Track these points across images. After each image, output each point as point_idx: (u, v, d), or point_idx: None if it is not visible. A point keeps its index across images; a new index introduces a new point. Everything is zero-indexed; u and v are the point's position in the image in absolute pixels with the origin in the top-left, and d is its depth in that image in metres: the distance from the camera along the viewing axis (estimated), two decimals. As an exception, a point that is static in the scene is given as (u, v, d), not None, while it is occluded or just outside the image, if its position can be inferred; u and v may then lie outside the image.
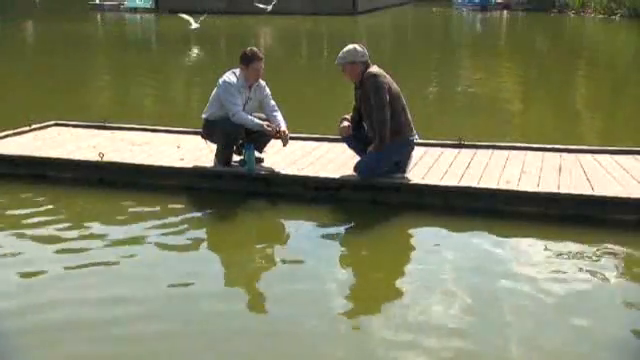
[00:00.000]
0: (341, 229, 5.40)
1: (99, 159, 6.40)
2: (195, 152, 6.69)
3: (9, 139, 7.29)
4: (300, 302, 4.22)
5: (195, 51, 21.34)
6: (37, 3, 43.72)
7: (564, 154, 6.59)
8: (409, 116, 5.89)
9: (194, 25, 23.06)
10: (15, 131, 7.50)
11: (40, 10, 37.91)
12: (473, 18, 36.07)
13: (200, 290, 4.37)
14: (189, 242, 5.14)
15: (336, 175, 6.00)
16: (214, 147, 6.33)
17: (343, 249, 5.10)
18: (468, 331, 3.83)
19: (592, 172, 5.99)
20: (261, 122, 6.10)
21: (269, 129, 6.06)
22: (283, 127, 6.15)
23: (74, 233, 5.25)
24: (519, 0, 40.50)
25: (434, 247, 5.10)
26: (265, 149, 6.46)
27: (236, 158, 6.37)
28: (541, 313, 4.01)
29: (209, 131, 6.29)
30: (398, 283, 4.54)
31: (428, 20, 35.70)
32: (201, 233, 5.42)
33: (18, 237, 5.20)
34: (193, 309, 4.11)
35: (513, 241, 5.09)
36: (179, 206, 5.83)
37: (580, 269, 4.60)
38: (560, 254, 4.84)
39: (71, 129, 7.88)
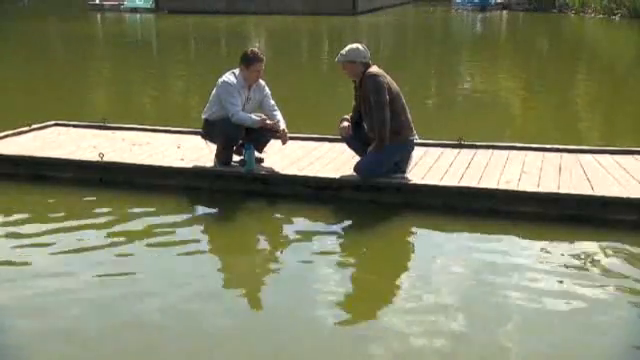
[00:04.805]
0: (341, 229, 5.40)
1: (99, 159, 6.40)
2: (195, 152, 6.69)
3: (9, 139, 7.28)
4: (299, 302, 4.22)
5: (195, 51, 21.34)
6: (25, 2, 43.68)
7: (564, 154, 6.59)
8: (409, 116, 5.89)
9: None
10: (15, 131, 7.49)
11: (42, 10, 37.85)
12: (473, 18, 36.08)
13: (200, 290, 4.37)
14: (189, 242, 5.13)
15: (336, 175, 6.00)
16: (214, 147, 6.33)
17: (343, 249, 5.10)
18: (467, 331, 3.82)
19: (592, 172, 5.99)
20: (260, 118, 6.09)
21: (270, 123, 6.05)
22: (282, 126, 6.15)
23: (74, 233, 5.24)
24: (519, 0, 40.53)
25: (434, 247, 5.11)
26: (265, 149, 6.46)
27: (236, 158, 6.37)
28: (540, 313, 4.01)
29: (209, 131, 6.30)
30: (397, 283, 4.54)
31: (428, 20, 35.71)
32: (201, 233, 5.43)
33: (17, 237, 5.19)
34: (193, 309, 4.10)
35: (513, 241, 5.09)
36: (179, 206, 5.83)
37: (580, 269, 4.60)
38: (560, 254, 4.83)
39: (71, 129, 7.87)
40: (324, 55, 20.18)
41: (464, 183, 5.76)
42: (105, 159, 6.40)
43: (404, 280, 4.60)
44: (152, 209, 5.75)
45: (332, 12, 33.86)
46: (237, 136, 6.20)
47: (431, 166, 6.25)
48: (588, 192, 5.47)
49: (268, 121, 6.08)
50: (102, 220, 5.52)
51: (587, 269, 4.60)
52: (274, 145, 6.46)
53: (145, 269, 4.71)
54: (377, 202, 5.78)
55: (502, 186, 5.64)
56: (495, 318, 3.98)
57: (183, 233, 5.28)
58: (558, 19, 34.32)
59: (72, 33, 25.35)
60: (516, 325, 3.90)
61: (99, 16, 35.22)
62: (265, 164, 6.33)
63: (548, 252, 4.87)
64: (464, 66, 18.03)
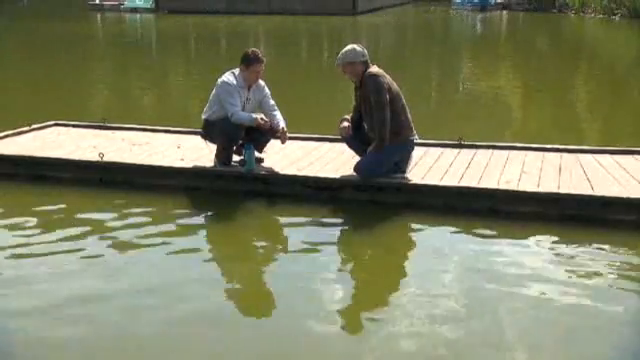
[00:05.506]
0: (341, 229, 5.40)
1: (99, 159, 6.39)
2: (195, 152, 6.69)
3: (9, 139, 7.28)
4: (299, 302, 4.22)
5: (195, 51, 21.33)
6: (25, 2, 43.71)
7: (564, 154, 6.59)
8: (409, 116, 5.89)
9: None
10: (15, 131, 7.49)
11: (42, 10, 37.86)
12: (473, 18, 36.09)
13: (200, 290, 4.37)
14: (189, 242, 5.13)
15: (336, 175, 6.00)
16: (214, 147, 6.33)
17: (343, 249, 5.10)
18: (466, 331, 3.82)
19: (592, 172, 5.99)
20: (255, 116, 6.06)
21: (262, 122, 6.01)
22: (282, 125, 6.15)
23: (74, 233, 5.24)
24: (519, 0, 40.54)
25: (434, 247, 5.10)
26: (265, 149, 6.46)
27: (236, 158, 6.37)
28: (539, 313, 4.01)
29: (209, 131, 6.30)
30: (397, 283, 4.54)
31: (428, 20, 35.73)
32: (201, 233, 5.43)
33: (18, 238, 5.19)
34: (192, 309, 4.10)
35: (513, 241, 5.09)
36: (179, 206, 5.82)
37: (579, 269, 4.60)
38: (560, 254, 4.84)
39: (71, 129, 7.87)
40: (324, 55, 20.19)
41: (464, 183, 5.76)
42: (105, 159, 6.40)
43: (404, 280, 4.60)
44: (152, 209, 5.75)
45: (332, 12, 33.87)
46: (237, 136, 6.20)
47: (431, 166, 6.25)
48: (588, 192, 5.47)
49: (260, 119, 6.01)
50: (102, 220, 5.51)
51: (587, 269, 4.60)
52: (274, 145, 6.46)
53: (145, 269, 4.70)
54: (377, 202, 5.78)
55: (502, 186, 5.64)
56: (496, 317, 3.98)
57: (183, 233, 5.27)
58: (558, 19, 34.33)
59: (72, 33, 25.35)
60: (517, 324, 3.91)
61: (99, 16, 35.23)
62: (265, 164, 6.33)
63: (548, 252, 4.87)
64: (464, 66, 18.04)
